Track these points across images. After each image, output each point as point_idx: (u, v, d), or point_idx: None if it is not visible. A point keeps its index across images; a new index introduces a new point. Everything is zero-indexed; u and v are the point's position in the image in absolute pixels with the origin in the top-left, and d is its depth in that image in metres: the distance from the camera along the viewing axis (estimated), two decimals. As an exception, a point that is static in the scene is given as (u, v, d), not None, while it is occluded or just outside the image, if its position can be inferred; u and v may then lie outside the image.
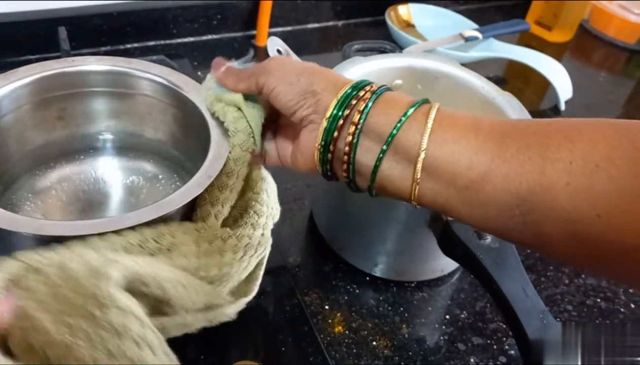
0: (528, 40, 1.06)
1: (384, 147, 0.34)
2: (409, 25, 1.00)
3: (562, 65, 0.89)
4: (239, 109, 0.40)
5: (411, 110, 0.34)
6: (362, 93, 0.36)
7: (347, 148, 0.36)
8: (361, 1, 1.01)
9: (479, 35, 0.91)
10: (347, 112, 0.35)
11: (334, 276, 0.57)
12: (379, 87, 0.36)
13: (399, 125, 0.34)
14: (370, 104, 0.35)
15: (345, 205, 0.56)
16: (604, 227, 0.28)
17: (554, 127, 0.32)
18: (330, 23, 1.01)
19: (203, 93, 0.43)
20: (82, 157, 0.48)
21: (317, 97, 0.36)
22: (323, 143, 0.36)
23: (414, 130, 0.34)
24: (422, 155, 0.33)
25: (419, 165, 0.33)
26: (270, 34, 0.91)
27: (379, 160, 0.35)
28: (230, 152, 0.40)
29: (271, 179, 0.45)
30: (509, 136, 0.32)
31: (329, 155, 0.37)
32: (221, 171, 0.39)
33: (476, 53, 0.91)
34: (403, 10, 1.00)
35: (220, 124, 0.41)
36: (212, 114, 0.42)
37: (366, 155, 0.36)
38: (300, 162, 0.39)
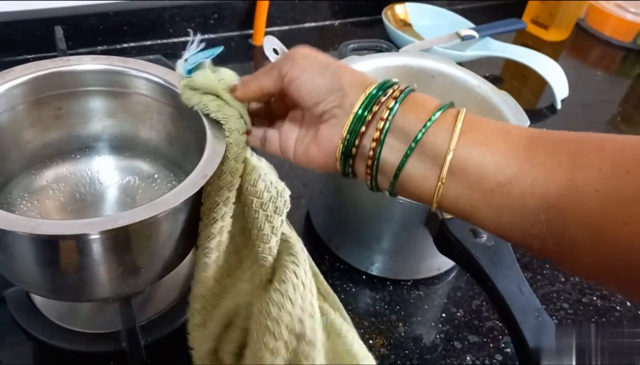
0: (524, 39, 1.06)
1: (412, 144, 0.34)
2: (405, 25, 1.00)
3: (558, 64, 0.89)
4: (217, 96, 0.40)
5: (439, 111, 0.34)
6: (390, 91, 0.35)
7: (373, 144, 0.35)
8: (358, 1, 1.01)
9: (476, 34, 0.91)
10: (375, 108, 0.35)
11: (331, 275, 0.57)
12: (407, 87, 0.36)
13: (428, 124, 0.34)
14: (399, 102, 0.35)
15: (342, 204, 0.56)
16: (632, 235, 0.28)
17: (583, 135, 0.32)
18: (327, 22, 1.01)
19: (179, 89, 0.42)
20: (78, 156, 0.48)
21: (343, 92, 0.36)
22: (348, 136, 0.36)
23: (442, 131, 0.34)
24: (450, 155, 0.33)
25: (446, 166, 0.33)
26: (267, 34, 0.90)
27: (405, 157, 0.34)
28: (229, 137, 0.40)
29: (263, 163, 0.44)
30: (539, 142, 0.32)
31: (353, 150, 0.36)
32: (229, 156, 0.39)
33: (473, 52, 0.92)
34: (400, 9, 1.00)
35: (215, 121, 0.41)
36: (192, 108, 0.41)
37: (391, 153, 0.35)
38: (317, 158, 0.38)
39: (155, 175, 0.48)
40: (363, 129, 0.35)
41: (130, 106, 0.47)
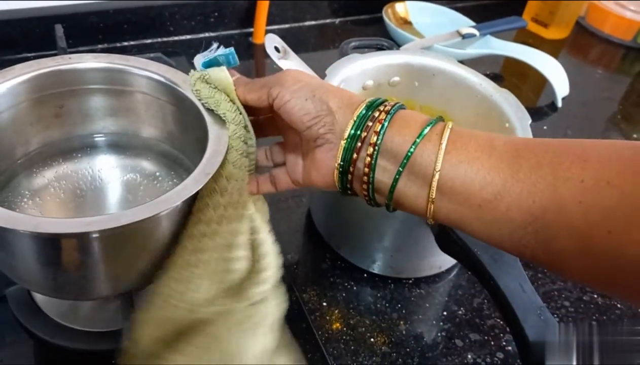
0: (525, 38, 1.06)
1: (400, 168, 0.35)
2: (406, 23, 1.00)
3: (558, 62, 0.89)
4: (230, 99, 0.41)
5: (425, 130, 0.35)
6: (377, 113, 0.36)
7: (366, 169, 0.37)
8: (358, -1, 1.01)
9: (476, 32, 0.91)
10: (364, 134, 0.36)
11: (332, 273, 0.57)
12: (393, 106, 0.37)
13: (413, 148, 0.35)
14: (385, 125, 0.36)
15: (343, 202, 0.56)
16: (617, 243, 0.28)
17: (566, 145, 0.32)
18: (328, 20, 1.01)
19: (191, 80, 0.42)
20: (79, 154, 0.48)
21: (332, 116, 0.37)
22: (342, 163, 0.37)
23: (428, 152, 0.35)
24: (437, 176, 0.34)
25: (434, 186, 0.34)
26: (267, 32, 0.91)
27: (396, 180, 0.36)
28: (231, 140, 0.40)
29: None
30: (522, 156, 0.33)
31: (349, 175, 0.38)
32: (228, 159, 0.39)
33: (473, 50, 0.92)
34: (400, 7, 1.00)
35: (217, 119, 0.41)
36: (200, 100, 0.42)
37: (383, 174, 0.37)
38: (317, 179, 0.40)
39: (157, 174, 0.48)
40: (355, 156, 0.37)
41: (132, 104, 0.47)
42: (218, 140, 0.40)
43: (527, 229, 0.32)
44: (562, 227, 0.30)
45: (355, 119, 0.36)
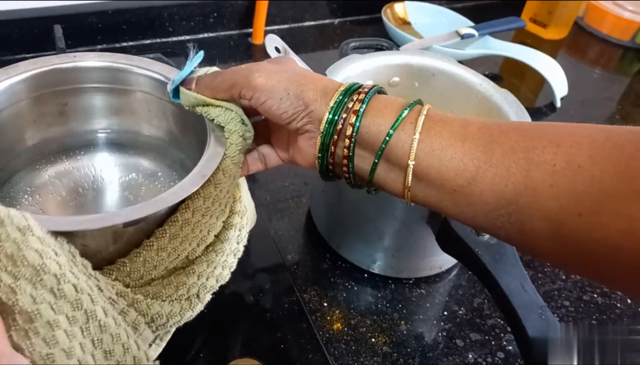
0: (523, 38, 1.06)
1: (376, 160, 0.37)
2: (405, 23, 1.00)
3: (557, 62, 0.89)
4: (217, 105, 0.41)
5: (400, 118, 0.36)
6: (350, 103, 0.37)
7: (345, 161, 0.38)
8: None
9: (475, 32, 0.91)
10: (339, 126, 0.37)
11: (332, 273, 0.57)
12: (367, 93, 0.37)
13: (387, 138, 0.36)
14: (360, 114, 0.36)
15: (343, 202, 0.56)
16: (587, 226, 0.29)
17: (539, 130, 0.33)
18: (327, 21, 1.01)
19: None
20: (81, 153, 0.48)
21: (310, 108, 0.38)
22: (320, 155, 0.39)
23: (402, 142, 0.35)
24: (411, 165, 0.35)
25: (409, 175, 0.35)
26: (266, 32, 0.91)
27: (373, 169, 0.37)
28: (229, 138, 0.40)
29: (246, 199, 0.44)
30: (495, 141, 0.33)
31: (330, 167, 0.39)
32: (227, 154, 0.40)
33: (472, 50, 0.92)
34: (399, 8, 1.00)
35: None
36: (199, 113, 0.42)
37: (362, 162, 0.38)
38: (303, 163, 0.41)
39: (159, 174, 0.48)
40: (332, 148, 0.38)
41: (134, 104, 0.47)
42: (217, 141, 0.40)
43: (500, 211, 0.32)
44: (535, 210, 0.31)
45: (330, 110, 0.37)
